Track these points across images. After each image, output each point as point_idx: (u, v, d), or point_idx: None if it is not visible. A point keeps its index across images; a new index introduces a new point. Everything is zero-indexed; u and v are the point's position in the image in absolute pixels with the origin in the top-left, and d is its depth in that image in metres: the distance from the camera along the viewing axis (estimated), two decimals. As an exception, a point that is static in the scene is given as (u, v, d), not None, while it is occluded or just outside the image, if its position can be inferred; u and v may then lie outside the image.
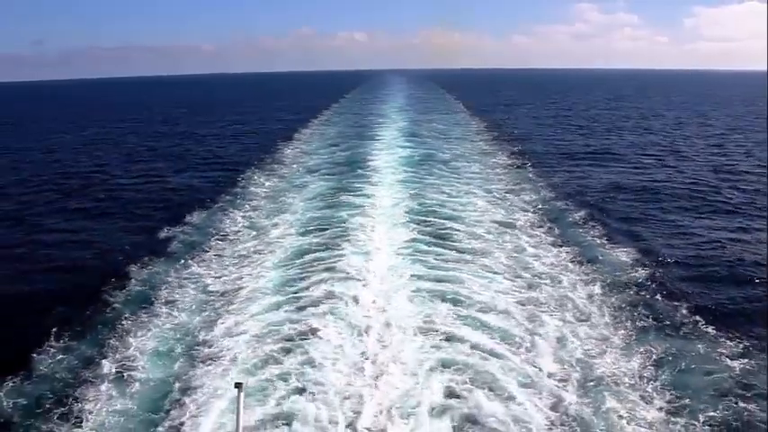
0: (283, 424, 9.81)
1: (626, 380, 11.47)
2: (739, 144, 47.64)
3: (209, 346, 12.65)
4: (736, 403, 10.72)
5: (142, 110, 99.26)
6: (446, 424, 9.91)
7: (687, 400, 10.75)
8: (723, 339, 13.24)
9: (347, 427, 9.74)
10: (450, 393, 10.76)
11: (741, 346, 12.88)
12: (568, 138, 52.54)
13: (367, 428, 9.74)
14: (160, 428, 9.99)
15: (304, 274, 16.64)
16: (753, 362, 12.15)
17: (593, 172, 35.60)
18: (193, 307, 14.93)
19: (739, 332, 13.55)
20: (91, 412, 10.48)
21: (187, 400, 10.65)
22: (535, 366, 11.85)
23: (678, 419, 10.26)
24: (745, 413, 10.48)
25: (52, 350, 12.94)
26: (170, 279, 17.11)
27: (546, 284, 16.06)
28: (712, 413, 10.41)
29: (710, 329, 13.73)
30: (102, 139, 56.43)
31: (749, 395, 10.98)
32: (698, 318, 14.31)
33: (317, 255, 18.20)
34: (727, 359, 12.30)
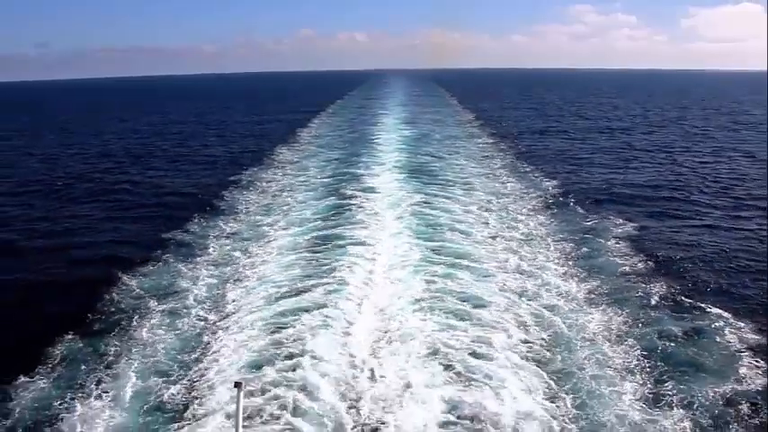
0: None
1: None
2: (738, 141, 48.58)
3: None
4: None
5: (169, 106, 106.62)
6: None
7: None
8: (723, 332, 13.16)
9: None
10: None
11: (740, 337, 12.92)
12: (559, 133, 55.25)
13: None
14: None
15: (307, 266, 17.00)
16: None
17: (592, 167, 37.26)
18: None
19: (738, 325, 13.51)
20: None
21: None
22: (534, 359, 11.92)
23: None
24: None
25: (54, 348, 12.81)
26: (172, 276, 17.01)
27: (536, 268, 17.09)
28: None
29: (709, 325, 13.55)
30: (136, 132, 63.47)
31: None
32: (697, 313, 14.23)
33: (321, 241, 19.09)
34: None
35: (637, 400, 10.39)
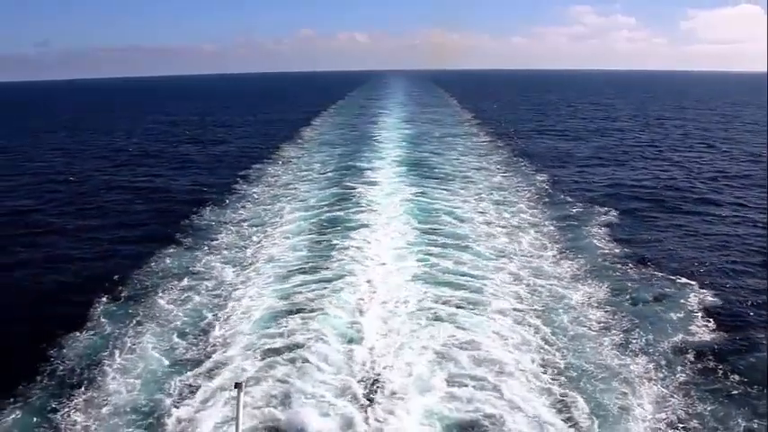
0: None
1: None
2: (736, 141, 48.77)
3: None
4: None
5: (172, 106, 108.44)
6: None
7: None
8: (687, 296, 14.86)
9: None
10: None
11: (699, 300, 14.69)
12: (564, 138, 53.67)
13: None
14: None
15: (314, 247, 18.44)
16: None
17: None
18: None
19: (700, 292, 15.20)
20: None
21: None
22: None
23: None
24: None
25: (95, 310, 14.46)
26: (190, 257, 18.38)
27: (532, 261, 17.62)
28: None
29: (675, 291, 15.28)
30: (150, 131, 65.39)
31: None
32: (666, 282, 15.88)
33: (326, 226, 20.68)
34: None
35: (611, 350, 12.25)
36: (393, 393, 10.62)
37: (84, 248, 21.07)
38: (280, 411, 10.19)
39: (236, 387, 6.84)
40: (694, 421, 9.97)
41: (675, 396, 10.64)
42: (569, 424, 9.82)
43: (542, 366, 11.55)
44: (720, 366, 11.72)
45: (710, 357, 12.04)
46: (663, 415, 10.08)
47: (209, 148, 46.53)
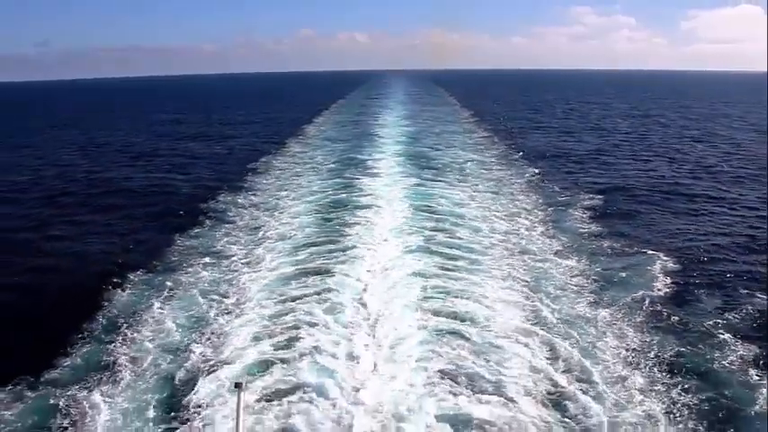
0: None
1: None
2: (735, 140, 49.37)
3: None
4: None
5: (175, 106, 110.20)
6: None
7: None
8: (653, 263, 17.15)
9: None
10: (446, 305, 12.09)
11: (662, 266, 16.96)
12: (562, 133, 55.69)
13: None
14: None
15: (321, 227, 20.28)
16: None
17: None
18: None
19: (664, 259, 17.45)
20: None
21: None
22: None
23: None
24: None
25: (134, 276, 16.43)
26: (209, 237, 20.06)
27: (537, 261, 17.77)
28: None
29: (644, 260, 17.47)
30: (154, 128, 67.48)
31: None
32: (638, 254, 18.08)
33: (332, 209, 22.67)
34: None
35: (586, 306, 14.48)
36: (394, 329, 12.79)
37: (118, 225, 23.64)
38: (294, 346, 12.19)
39: (236, 387, 6.90)
40: (644, 349, 12.33)
41: (633, 333, 13.02)
42: (550, 355, 11.98)
43: (527, 315, 13.70)
44: (666, 311, 14.21)
45: (660, 305, 14.54)
46: (624, 344, 12.53)
47: (217, 143, 48.58)
